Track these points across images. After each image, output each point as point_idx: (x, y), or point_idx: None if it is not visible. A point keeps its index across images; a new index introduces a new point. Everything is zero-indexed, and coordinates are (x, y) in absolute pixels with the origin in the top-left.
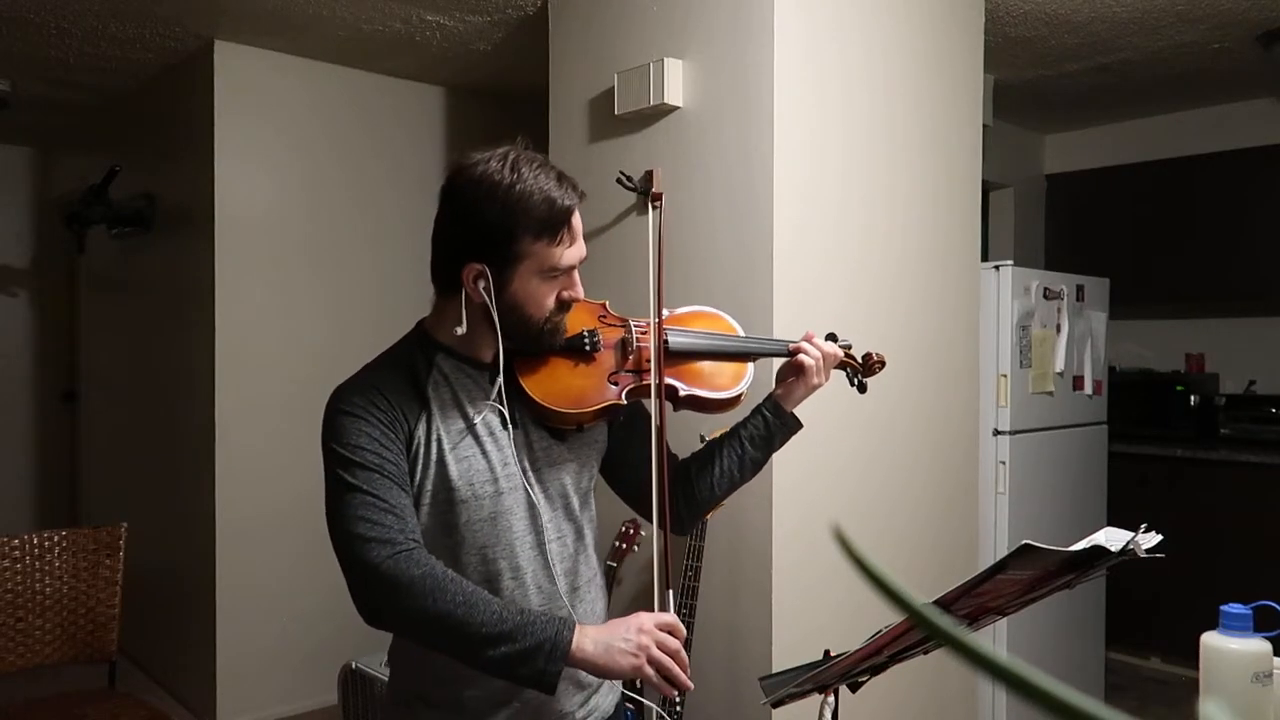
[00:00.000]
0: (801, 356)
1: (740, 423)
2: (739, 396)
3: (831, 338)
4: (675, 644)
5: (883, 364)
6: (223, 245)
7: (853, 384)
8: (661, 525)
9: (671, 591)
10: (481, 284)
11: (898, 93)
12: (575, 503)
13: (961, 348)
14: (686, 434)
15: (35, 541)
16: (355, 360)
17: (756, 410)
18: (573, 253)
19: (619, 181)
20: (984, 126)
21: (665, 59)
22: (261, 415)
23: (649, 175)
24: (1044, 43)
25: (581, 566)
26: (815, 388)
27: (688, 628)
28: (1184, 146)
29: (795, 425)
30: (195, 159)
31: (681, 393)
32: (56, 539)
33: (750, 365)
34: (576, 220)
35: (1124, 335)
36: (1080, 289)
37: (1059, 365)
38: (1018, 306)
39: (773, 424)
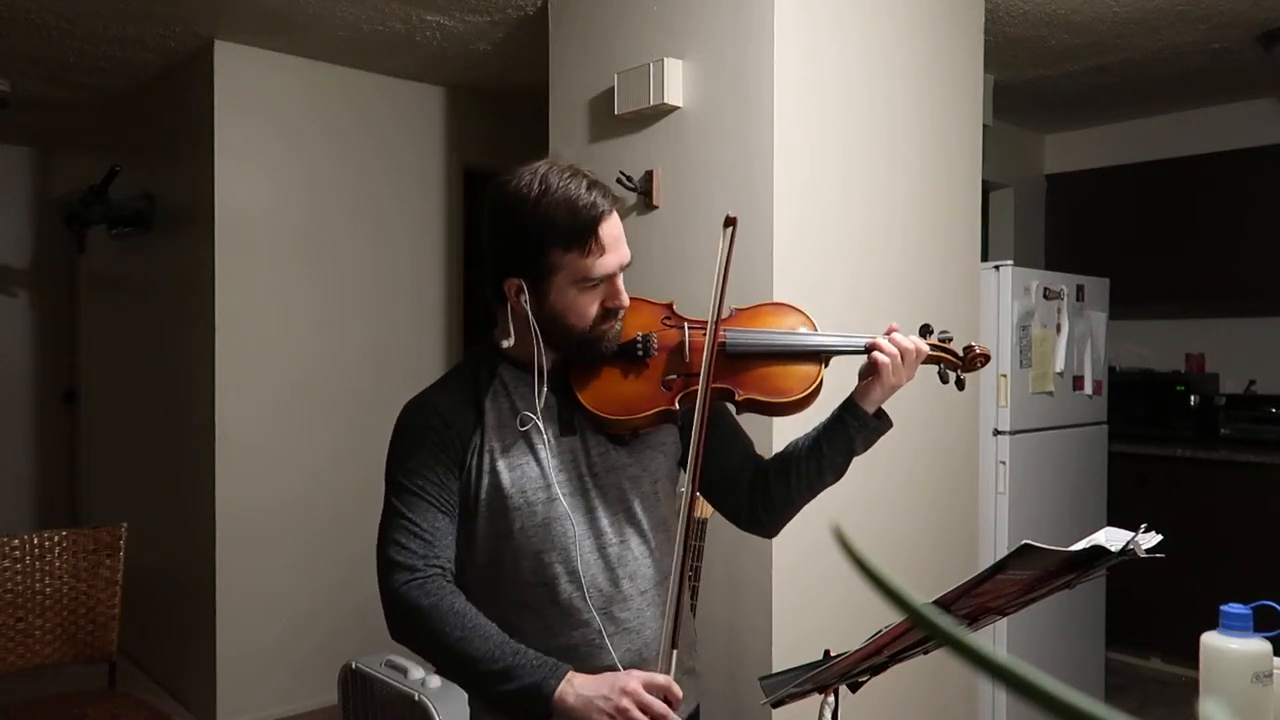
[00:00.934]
0: (875, 354)
1: (821, 425)
2: (805, 398)
3: (926, 330)
4: (661, 708)
5: (986, 358)
6: (223, 245)
7: (945, 380)
8: (679, 581)
9: (677, 652)
10: (522, 297)
11: (898, 93)
12: (637, 507)
13: None
14: (764, 432)
15: (35, 541)
16: (355, 360)
17: (836, 412)
18: (608, 261)
19: (619, 182)
20: (984, 126)
21: (665, 59)
22: (261, 415)
23: (649, 176)
24: (1044, 43)
25: (647, 571)
26: (895, 387)
27: None
28: (1184, 146)
29: (881, 425)
30: (195, 159)
31: (739, 397)
32: (56, 539)
33: (821, 365)
34: (610, 228)
35: (1124, 335)
36: (1080, 289)
37: (1059, 365)
38: (1018, 306)
39: (851, 425)
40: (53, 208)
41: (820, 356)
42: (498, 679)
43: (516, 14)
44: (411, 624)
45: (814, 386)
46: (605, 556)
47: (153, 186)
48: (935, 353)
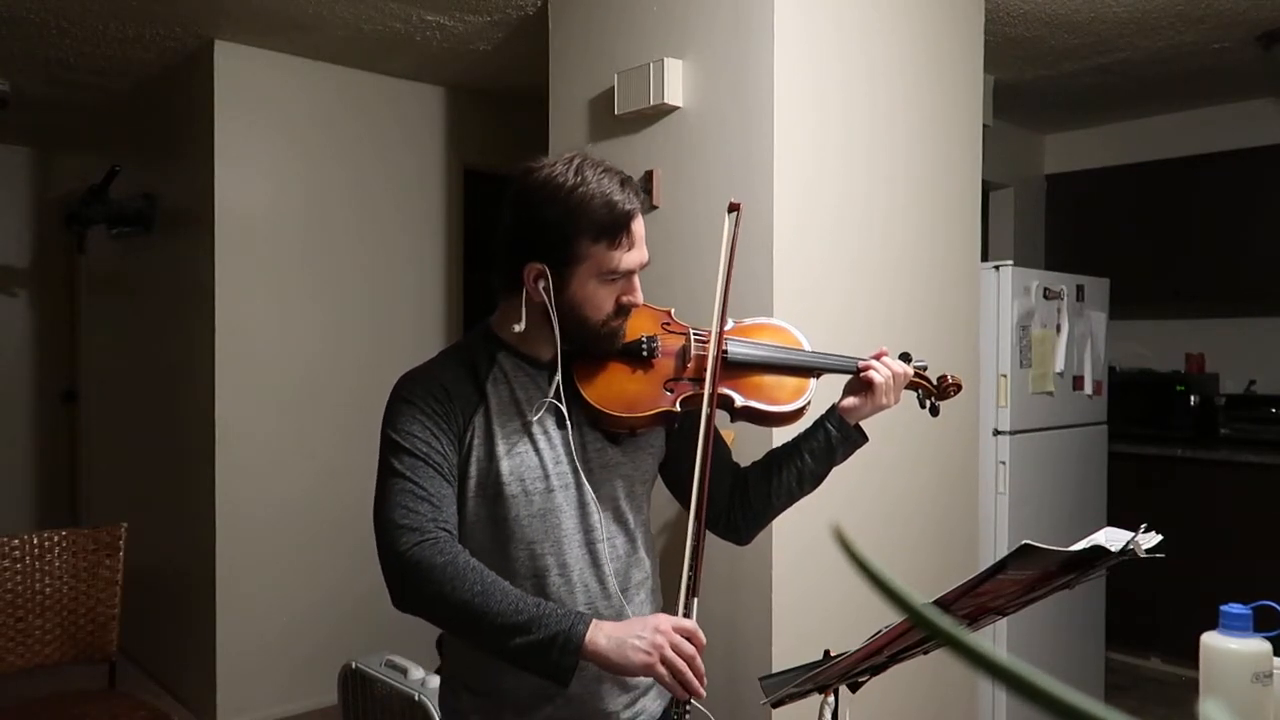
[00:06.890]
0: (872, 374)
1: (801, 435)
2: (798, 411)
3: (905, 357)
4: (691, 649)
5: (959, 387)
6: (223, 245)
7: (923, 406)
8: (696, 534)
9: (697, 600)
10: (541, 284)
11: (898, 93)
12: (625, 506)
13: (961, 348)
14: (749, 445)
15: (35, 541)
16: (355, 360)
17: (819, 423)
18: (632, 257)
19: None
20: (984, 126)
21: (665, 59)
22: (261, 415)
23: (649, 176)
24: (1044, 43)
25: (633, 570)
26: (883, 408)
27: None
28: (1184, 146)
29: (859, 439)
30: (195, 159)
31: (738, 403)
32: (56, 539)
33: (813, 380)
34: (637, 225)
35: (1124, 335)
36: (1080, 289)
37: (1059, 365)
38: (1018, 306)
39: (834, 438)
40: (53, 208)
41: (813, 372)
42: (523, 630)
43: (516, 14)
44: (425, 584)
45: (806, 400)
46: (593, 552)
47: (153, 186)
48: (915, 379)
